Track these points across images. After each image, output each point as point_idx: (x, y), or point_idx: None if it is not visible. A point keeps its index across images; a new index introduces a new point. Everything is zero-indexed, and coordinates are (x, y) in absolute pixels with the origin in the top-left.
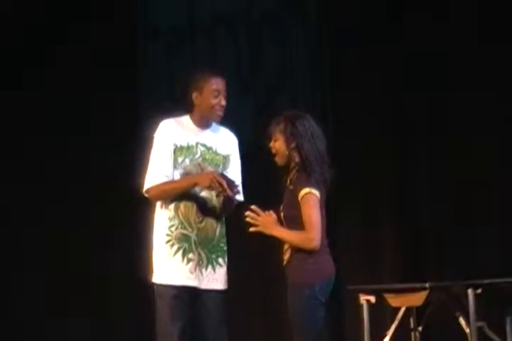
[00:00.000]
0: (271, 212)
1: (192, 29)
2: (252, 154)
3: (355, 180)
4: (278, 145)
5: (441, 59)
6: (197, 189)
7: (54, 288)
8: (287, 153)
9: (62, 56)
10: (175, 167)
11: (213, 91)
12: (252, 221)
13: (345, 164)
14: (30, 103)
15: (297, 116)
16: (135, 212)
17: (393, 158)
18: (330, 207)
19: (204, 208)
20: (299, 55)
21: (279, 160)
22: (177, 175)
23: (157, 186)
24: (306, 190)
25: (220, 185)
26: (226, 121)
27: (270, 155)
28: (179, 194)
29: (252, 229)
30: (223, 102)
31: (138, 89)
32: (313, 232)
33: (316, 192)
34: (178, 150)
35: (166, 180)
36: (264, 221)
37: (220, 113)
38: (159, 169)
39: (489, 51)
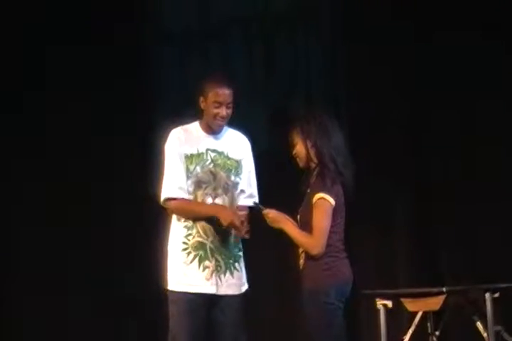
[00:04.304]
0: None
1: (205, 32)
2: (266, 158)
3: (370, 181)
4: (298, 147)
5: (454, 56)
6: (211, 196)
7: (56, 291)
8: (306, 153)
9: (66, 57)
10: (187, 176)
11: (215, 102)
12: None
13: (359, 165)
14: (30, 103)
15: (308, 115)
16: (143, 218)
17: (407, 158)
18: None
19: None
20: (313, 57)
21: (300, 162)
22: (190, 185)
23: (179, 203)
24: (320, 195)
25: (237, 227)
26: (240, 124)
27: (284, 159)
28: (196, 217)
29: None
30: (224, 113)
31: (151, 93)
32: (316, 239)
33: (330, 198)
34: (188, 159)
35: (180, 192)
36: (273, 216)
37: (221, 122)
38: (173, 181)
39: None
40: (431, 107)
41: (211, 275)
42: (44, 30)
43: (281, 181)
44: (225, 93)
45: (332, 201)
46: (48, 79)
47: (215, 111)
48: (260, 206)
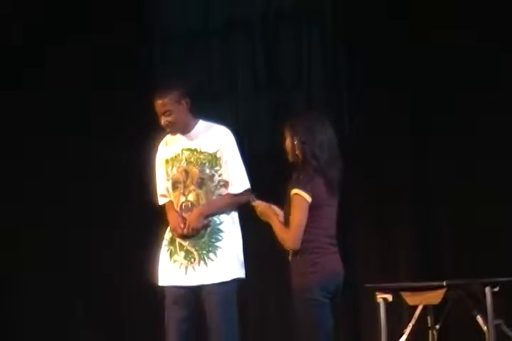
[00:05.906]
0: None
1: (207, 31)
2: (269, 155)
3: (371, 178)
4: (287, 142)
5: (456, 55)
6: (183, 195)
7: (57, 290)
8: (292, 149)
9: (65, 56)
10: (167, 179)
11: (156, 112)
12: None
13: (360, 163)
14: (30, 103)
15: (299, 113)
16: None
17: (409, 157)
18: (345, 206)
19: (190, 210)
20: (315, 56)
21: (289, 157)
22: (170, 187)
23: (165, 209)
24: (294, 191)
25: (179, 234)
26: (242, 122)
27: (285, 156)
28: None
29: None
30: (162, 122)
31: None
32: (290, 234)
33: (304, 194)
34: (167, 163)
35: (162, 199)
36: (261, 209)
37: (167, 129)
38: (158, 190)
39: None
40: (437, 106)
41: (180, 267)
42: (44, 30)
43: (282, 178)
44: (157, 103)
45: (307, 197)
46: (48, 79)
47: (160, 119)
48: (252, 196)
